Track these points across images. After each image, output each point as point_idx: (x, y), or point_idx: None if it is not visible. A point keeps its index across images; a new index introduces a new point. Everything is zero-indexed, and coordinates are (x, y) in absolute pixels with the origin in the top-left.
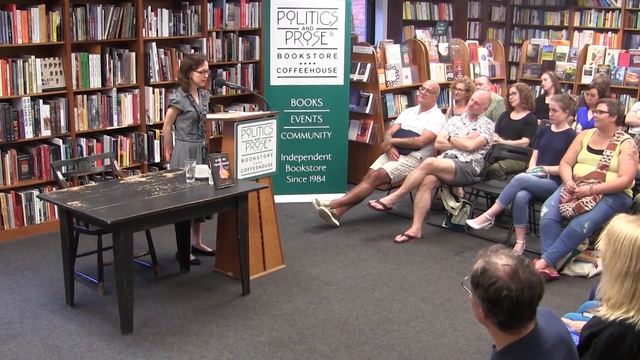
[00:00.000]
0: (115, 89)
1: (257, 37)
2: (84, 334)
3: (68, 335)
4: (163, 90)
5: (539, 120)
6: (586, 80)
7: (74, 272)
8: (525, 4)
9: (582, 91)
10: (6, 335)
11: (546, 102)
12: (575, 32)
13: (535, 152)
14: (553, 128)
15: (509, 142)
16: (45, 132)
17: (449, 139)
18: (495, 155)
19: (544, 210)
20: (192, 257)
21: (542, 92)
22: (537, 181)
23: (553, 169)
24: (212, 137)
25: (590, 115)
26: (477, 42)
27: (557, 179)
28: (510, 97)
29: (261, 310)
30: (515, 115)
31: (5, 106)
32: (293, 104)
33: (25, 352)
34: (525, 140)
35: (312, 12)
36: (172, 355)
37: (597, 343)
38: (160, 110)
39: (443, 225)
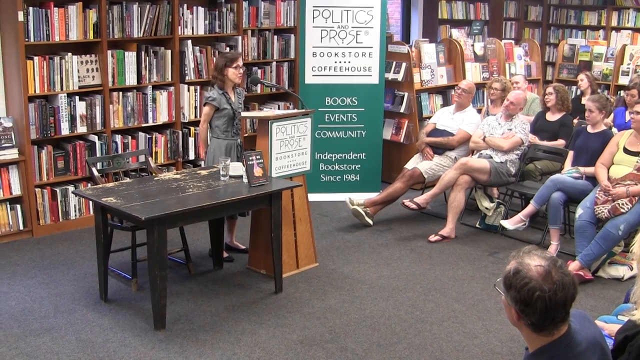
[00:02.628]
0: (151, 86)
1: (292, 36)
2: (117, 329)
3: (101, 330)
4: (198, 87)
5: (575, 120)
6: (623, 80)
7: (108, 268)
8: (562, 3)
9: (619, 91)
10: (41, 329)
11: (582, 102)
12: (613, 32)
13: (570, 153)
14: (589, 129)
15: (545, 143)
16: (81, 129)
17: (483, 139)
18: (531, 155)
19: (579, 211)
20: (225, 255)
21: (579, 92)
22: (573, 182)
23: (589, 170)
24: (246, 134)
25: (627, 116)
26: (513, 41)
27: (593, 180)
28: (546, 97)
29: (293, 309)
30: (551, 117)
31: (42, 103)
32: (328, 102)
33: (59, 346)
34: (561, 142)
35: (347, 10)
36: (204, 351)
37: (632, 347)
38: (195, 107)
39: (477, 225)
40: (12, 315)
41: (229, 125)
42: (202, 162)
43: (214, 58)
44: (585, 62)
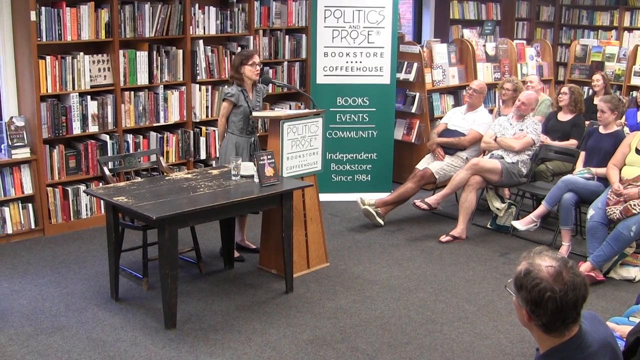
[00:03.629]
0: (162, 85)
1: (303, 36)
2: (127, 328)
3: (112, 329)
4: (210, 87)
5: (586, 121)
6: (636, 81)
7: (119, 267)
8: (574, 3)
9: (631, 92)
10: (52, 327)
11: (594, 103)
12: (625, 32)
13: (582, 154)
14: (601, 129)
15: (556, 143)
16: (93, 128)
17: (495, 140)
18: (542, 156)
19: (591, 212)
20: (236, 254)
21: (591, 92)
22: (584, 183)
23: (600, 170)
24: (258, 134)
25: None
26: (524, 42)
27: (605, 181)
28: (560, 96)
29: (304, 308)
30: (563, 117)
31: (54, 102)
32: (339, 102)
33: (70, 345)
34: (573, 142)
35: (359, 10)
36: (214, 351)
37: None
38: (207, 107)
39: (488, 226)
40: (23, 314)
41: (244, 123)
42: (214, 161)
43: (226, 58)
44: (597, 63)
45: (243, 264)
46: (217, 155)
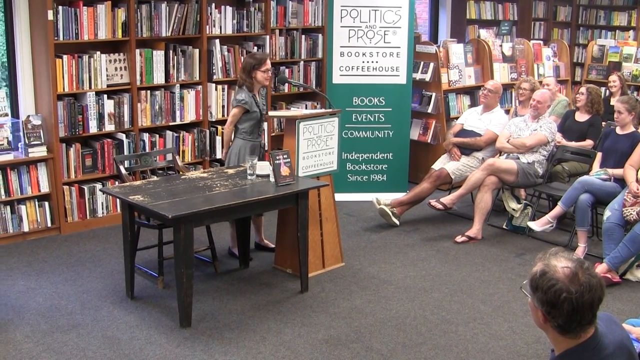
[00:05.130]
0: (179, 85)
1: (320, 35)
2: (142, 326)
3: (127, 327)
4: (226, 87)
5: (603, 122)
6: None
7: (134, 265)
8: (591, 3)
9: None
10: (67, 325)
11: (611, 103)
12: None
13: (599, 155)
14: (618, 130)
15: (573, 143)
16: (109, 127)
17: (508, 141)
18: (558, 156)
19: (607, 213)
20: (235, 253)
21: (608, 93)
22: (601, 184)
23: (617, 171)
24: (273, 134)
25: None
26: (541, 42)
27: (621, 182)
28: (577, 96)
29: (319, 308)
30: (580, 117)
31: (71, 101)
32: (355, 102)
33: (85, 343)
34: (589, 143)
35: (375, 10)
36: (229, 350)
37: None
38: (223, 106)
39: (504, 226)
40: (39, 312)
41: (255, 127)
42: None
43: (242, 57)
44: (615, 63)
45: (258, 263)
46: (225, 161)
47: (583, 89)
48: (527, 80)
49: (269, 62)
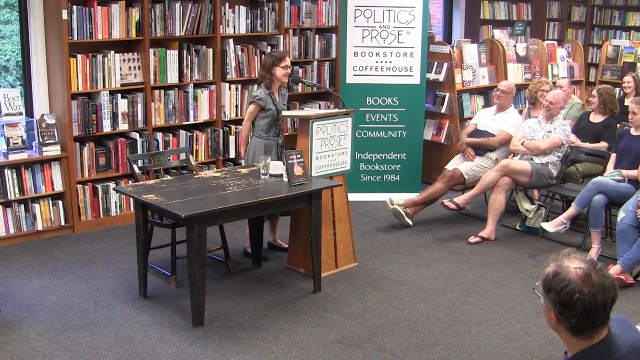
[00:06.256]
0: (192, 84)
1: (333, 35)
2: (155, 325)
3: (140, 326)
4: (239, 86)
5: (618, 124)
6: None
7: (147, 264)
8: (606, 4)
9: None
10: (80, 323)
11: (625, 104)
12: None
13: (613, 156)
14: (632, 131)
15: (587, 144)
16: (123, 126)
17: (522, 144)
18: (572, 157)
19: (621, 214)
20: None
21: (622, 94)
22: (615, 185)
23: (631, 172)
24: (287, 134)
25: None
26: (555, 42)
27: (636, 183)
28: (590, 99)
29: (332, 308)
30: (595, 118)
31: (85, 100)
32: (368, 102)
33: (98, 341)
34: (603, 144)
35: (389, 10)
36: (241, 349)
37: None
38: (237, 106)
39: (517, 227)
40: (52, 310)
41: (272, 126)
42: (242, 161)
43: (256, 57)
44: (629, 64)
45: (271, 263)
46: (244, 159)
47: (594, 92)
48: (547, 82)
49: (288, 59)
